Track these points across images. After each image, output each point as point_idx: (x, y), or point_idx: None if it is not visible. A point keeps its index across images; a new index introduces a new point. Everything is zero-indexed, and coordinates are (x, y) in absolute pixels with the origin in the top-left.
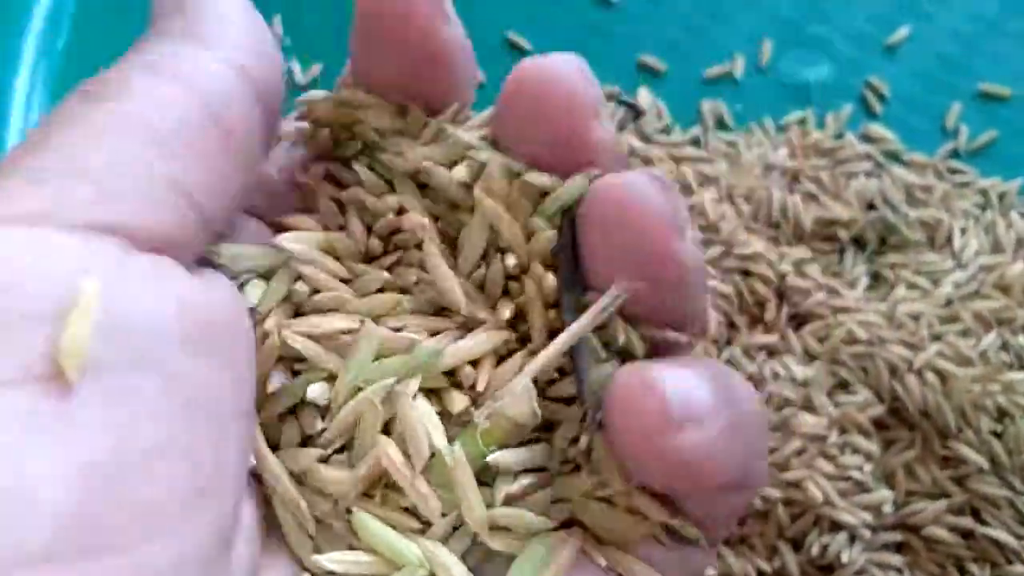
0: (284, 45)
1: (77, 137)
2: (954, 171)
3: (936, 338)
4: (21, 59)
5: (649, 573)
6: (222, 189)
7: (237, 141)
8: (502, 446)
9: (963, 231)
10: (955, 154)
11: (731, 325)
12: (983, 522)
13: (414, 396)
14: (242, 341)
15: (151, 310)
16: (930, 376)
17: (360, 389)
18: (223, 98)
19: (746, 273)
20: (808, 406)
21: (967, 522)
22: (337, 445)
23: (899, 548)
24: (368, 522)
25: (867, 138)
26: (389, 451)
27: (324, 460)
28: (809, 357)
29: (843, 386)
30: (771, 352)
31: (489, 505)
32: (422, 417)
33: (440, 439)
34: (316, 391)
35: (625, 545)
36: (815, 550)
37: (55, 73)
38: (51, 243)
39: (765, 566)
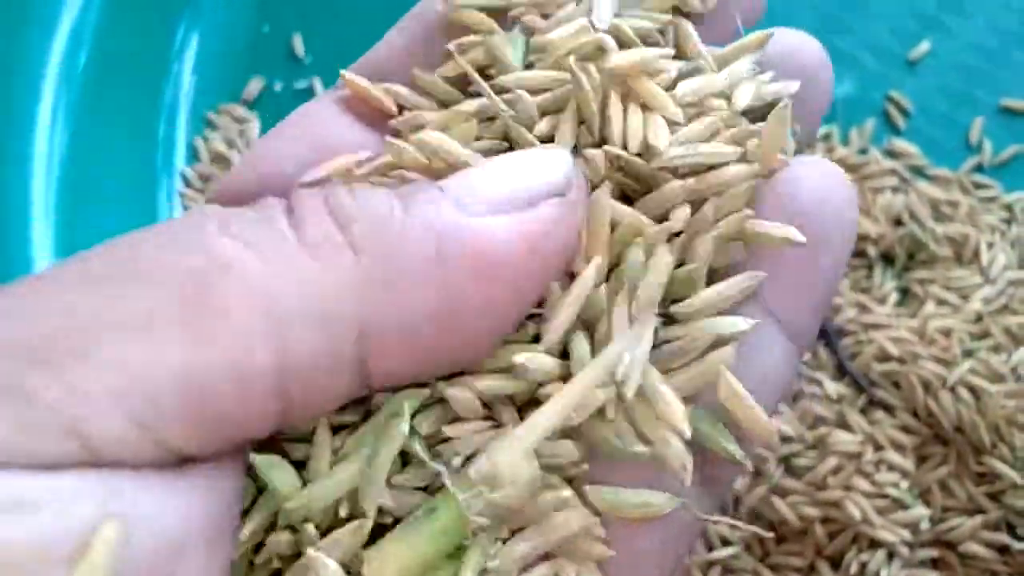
0: (305, 63)
1: None
2: (979, 185)
3: (968, 354)
4: (45, 77)
5: None
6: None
7: None
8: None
9: (990, 246)
10: (979, 168)
11: None
12: (1018, 537)
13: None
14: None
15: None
16: (963, 392)
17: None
18: None
19: None
20: (842, 423)
21: (1003, 537)
22: None
23: (935, 564)
24: None
25: (891, 153)
26: None
27: None
28: (841, 373)
29: (875, 403)
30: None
31: None
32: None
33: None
34: None
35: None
36: (854, 568)
37: (77, 90)
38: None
39: None
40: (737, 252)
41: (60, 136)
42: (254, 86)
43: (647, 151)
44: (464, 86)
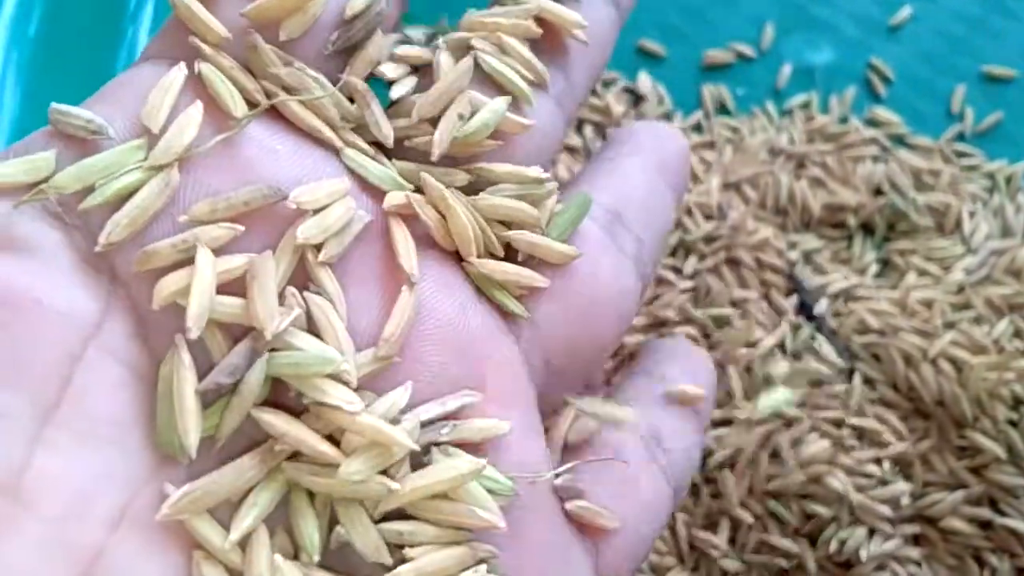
0: None
1: None
2: (961, 154)
3: (949, 326)
4: None
5: None
6: None
7: None
8: None
9: (972, 215)
10: (961, 137)
11: (742, 314)
12: (1001, 512)
13: None
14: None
15: None
16: (945, 365)
17: None
18: None
19: (756, 261)
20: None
21: (985, 512)
22: None
23: (916, 540)
24: None
25: (872, 122)
26: None
27: None
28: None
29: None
30: (782, 343)
31: None
32: None
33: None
34: None
35: None
36: (833, 546)
37: (27, 60)
38: None
39: (782, 563)
40: None
41: (10, 103)
42: None
43: None
44: None
